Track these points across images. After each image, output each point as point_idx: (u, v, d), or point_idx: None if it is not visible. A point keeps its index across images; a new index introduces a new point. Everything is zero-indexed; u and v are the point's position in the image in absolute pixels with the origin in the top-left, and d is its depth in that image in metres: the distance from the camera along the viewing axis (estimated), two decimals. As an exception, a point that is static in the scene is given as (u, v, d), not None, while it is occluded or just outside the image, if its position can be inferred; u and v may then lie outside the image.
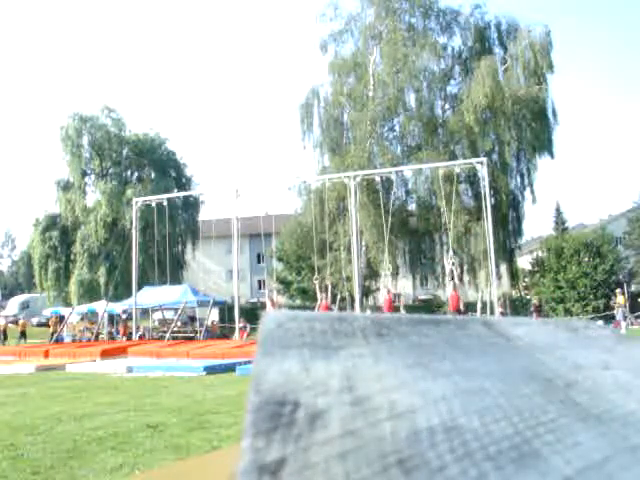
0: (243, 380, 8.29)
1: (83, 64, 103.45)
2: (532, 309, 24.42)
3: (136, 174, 37.76)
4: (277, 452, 0.31)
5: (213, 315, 23.93)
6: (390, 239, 25.71)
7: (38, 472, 3.46)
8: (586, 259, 29.11)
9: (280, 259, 34.88)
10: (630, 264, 34.83)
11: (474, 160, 19.11)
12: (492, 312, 18.06)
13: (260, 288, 45.37)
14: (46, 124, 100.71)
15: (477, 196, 24.01)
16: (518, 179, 27.01)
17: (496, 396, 0.43)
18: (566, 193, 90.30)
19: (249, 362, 9.49)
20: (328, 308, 15.99)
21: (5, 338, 24.54)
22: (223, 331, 24.21)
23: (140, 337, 20.51)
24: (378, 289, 29.85)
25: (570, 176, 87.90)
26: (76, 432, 4.65)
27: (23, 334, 24.97)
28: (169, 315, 24.20)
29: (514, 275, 29.02)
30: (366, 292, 26.26)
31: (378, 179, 20.13)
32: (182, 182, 37.42)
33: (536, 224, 40.66)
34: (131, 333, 21.01)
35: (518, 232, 28.02)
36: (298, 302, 33.80)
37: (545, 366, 0.54)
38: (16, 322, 36.68)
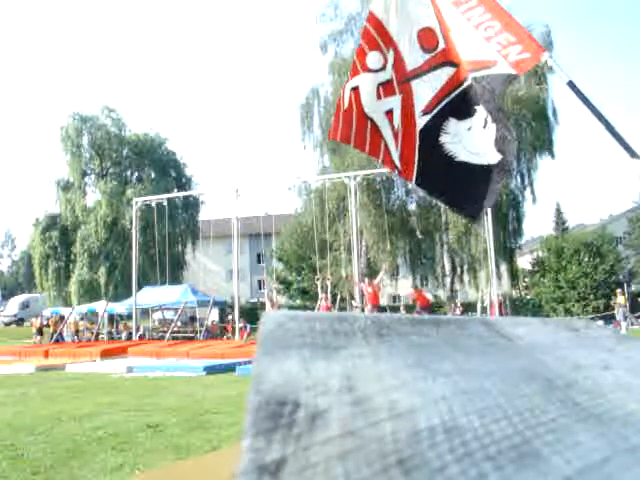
0: (243, 380, 8.29)
1: (83, 64, 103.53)
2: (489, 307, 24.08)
3: (136, 174, 37.76)
4: (277, 452, 0.31)
5: (213, 315, 23.93)
6: (390, 239, 25.76)
7: (38, 472, 3.46)
8: (586, 259, 29.09)
9: (280, 259, 34.89)
10: (630, 264, 34.81)
11: (474, 160, 19.07)
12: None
13: (260, 288, 45.34)
14: (46, 124, 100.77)
15: (477, 196, 23.97)
16: (518, 179, 27.03)
17: (496, 396, 0.43)
18: (566, 193, 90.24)
19: (249, 362, 9.49)
20: (329, 309, 15.99)
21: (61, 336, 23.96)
22: (223, 331, 24.22)
23: (140, 337, 20.51)
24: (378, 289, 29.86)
25: (570, 176, 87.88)
26: (76, 432, 4.65)
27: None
28: (169, 315, 24.20)
29: (514, 275, 29.02)
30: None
31: (378, 179, 20.12)
32: (182, 182, 37.42)
33: (536, 224, 40.56)
34: (131, 333, 21.02)
35: (518, 232, 28.03)
36: (298, 302, 33.82)
37: (545, 366, 0.54)
38: (17, 322, 36.76)
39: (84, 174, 36.31)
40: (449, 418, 0.38)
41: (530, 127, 25.16)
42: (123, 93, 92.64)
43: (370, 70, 2.88)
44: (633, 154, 2.50)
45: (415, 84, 2.80)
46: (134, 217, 20.65)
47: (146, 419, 5.17)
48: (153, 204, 20.96)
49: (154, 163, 36.96)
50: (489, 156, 2.65)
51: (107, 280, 32.09)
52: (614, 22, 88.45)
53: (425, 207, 26.68)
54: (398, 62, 2.83)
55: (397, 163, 2.94)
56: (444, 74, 2.74)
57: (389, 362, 0.48)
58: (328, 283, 17.38)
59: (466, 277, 27.33)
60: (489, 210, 17.09)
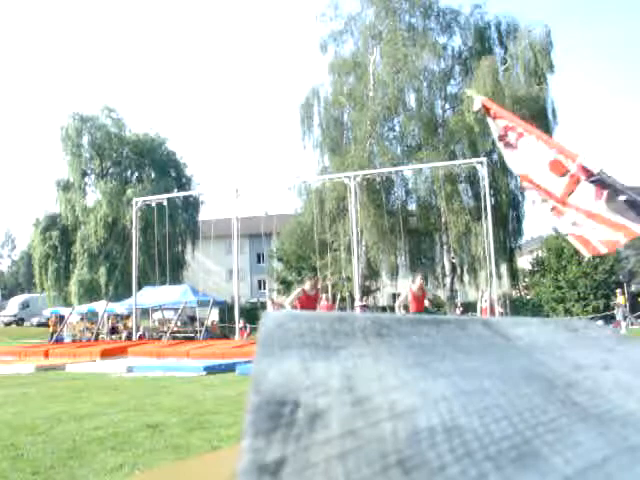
0: (243, 380, 8.29)
1: (83, 64, 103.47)
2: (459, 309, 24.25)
3: (136, 174, 37.76)
4: (277, 452, 0.31)
5: (213, 315, 23.93)
6: (390, 239, 25.77)
7: (38, 472, 3.45)
8: (586, 259, 29.09)
9: (280, 259, 34.89)
10: (630, 264, 34.80)
11: (474, 160, 19.11)
12: (492, 312, 18.06)
13: (260, 288, 45.38)
14: (46, 124, 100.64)
15: (477, 196, 24.01)
16: (518, 179, 27.01)
17: (496, 396, 0.43)
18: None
19: (249, 362, 9.48)
20: (330, 309, 16.00)
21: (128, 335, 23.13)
22: (223, 331, 24.23)
23: (140, 337, 20.50)
24: (378, 289, 29.87)
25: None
26: (76, 432, 4.65)
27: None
28: (169, 315, 24.19)
29: (514, 275, 29.03)
30: (366, 292, 26.25)
31: (378, 179, 20.14)
32: (182, 182, 37.42)
33: (536, 224, 40.55)
34: (131, 333, 21.01)
35: (518, 232, 28.05)
36: (298, 302, 33.73)
37: (545, 366, 0.54)
38: (17, 322, 36.81)
39: (84, 174, 36.31)
40: (449, 418, 0.38)
41: (530, 127, 25.14)
42: (123, 93, 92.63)
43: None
44: None
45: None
46: (134, 217, 20.64)
47: (146, 419, 5.17)
48: (153, 204, 20.95)
49: (154, 163, 36.97)
50: None
51: (107, 280, 32.09)
52: (615, 21, 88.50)
53: (425, 207, 26.70)
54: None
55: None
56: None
57: (389, 362, 0.48)
58: (328, 283, 17.38)
59: (466, 277, 27.35)
60: (489, 210, 17.11)
